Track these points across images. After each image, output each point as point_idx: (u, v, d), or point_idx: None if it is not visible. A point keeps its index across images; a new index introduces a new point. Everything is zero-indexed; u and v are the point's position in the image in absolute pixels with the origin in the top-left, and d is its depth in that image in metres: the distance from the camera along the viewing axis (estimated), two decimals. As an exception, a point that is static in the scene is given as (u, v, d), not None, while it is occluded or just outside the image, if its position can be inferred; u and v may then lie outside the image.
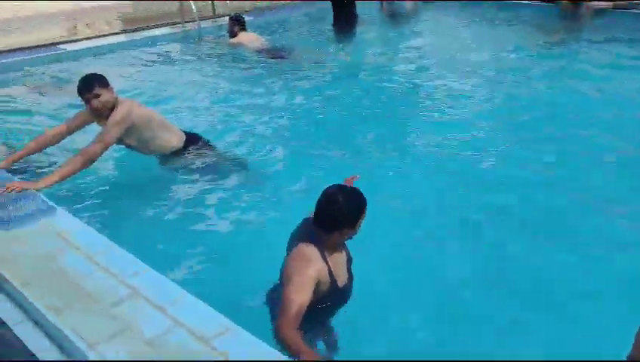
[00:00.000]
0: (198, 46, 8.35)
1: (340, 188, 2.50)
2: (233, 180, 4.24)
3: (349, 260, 2.70)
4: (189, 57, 7.90)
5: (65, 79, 6.87)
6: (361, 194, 2.51)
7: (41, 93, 6.28)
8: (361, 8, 9.39)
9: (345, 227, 2.46)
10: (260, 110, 5.73)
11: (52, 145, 4.16)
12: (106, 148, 3.87)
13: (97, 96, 3.83)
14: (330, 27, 8.93)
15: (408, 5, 9.66)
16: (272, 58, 7.52)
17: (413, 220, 3.72)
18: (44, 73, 7.16)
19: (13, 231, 3.15)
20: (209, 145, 4.51)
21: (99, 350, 2.23)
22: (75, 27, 9.44)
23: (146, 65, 7.51)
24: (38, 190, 3.60)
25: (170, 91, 6.44)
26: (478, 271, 3.23)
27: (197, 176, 4.22)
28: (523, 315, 2.92)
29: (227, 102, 6.04)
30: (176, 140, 4.29)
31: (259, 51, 7.75)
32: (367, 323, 2.87)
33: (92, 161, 3.81)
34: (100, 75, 3.94)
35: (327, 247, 2.50)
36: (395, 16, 9.50)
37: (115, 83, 5.98)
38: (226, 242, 3.57)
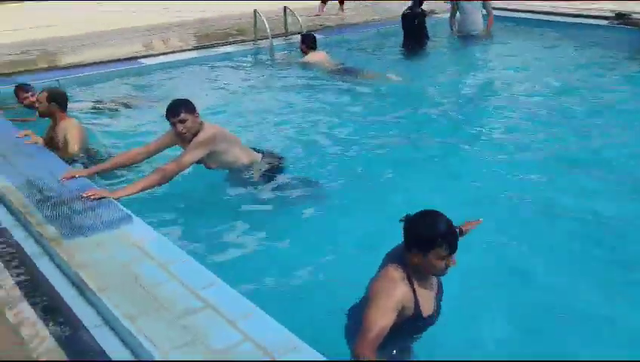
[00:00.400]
0: (270, 63, 8.54)
1: (427, 211, 2.46)
2: (305, 199, 4.30)
3: (439, 292, 2.64)
4: (260, 74, 8.10)
5: (142, 91, 7.22)
6: (442, 226, 2.38)
7: (125, 105, 6.56)
8: (434, 28, 9.38)
9: (414, 248, 2.42)
10: (328, 129, 5.80)
11: (136, 163, 4.41)
12: (182, 169, 4.07)
13: (183, 121, 4.04)
14: (400, 48, 8.93)
15: (480, 27, 9.47)
16: (341, 77, 7.61)
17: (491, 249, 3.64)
18: (125, 84, 7.51)
19: (92, 238, 3.30)
20: (281, 164, 4.63)
21: (170, 358, 2.30)
22: (152, 43, 9.84)
23: (219, 80, 7.75)
24: (116, 199, 3.77)
25: (241, 106, 6.61)
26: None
27: (271, 194, 4.31)
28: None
29: (296, 119, 6.14)
30: (252, 160, 4.45)
31: (328, 70, 7.85)
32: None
33: (168, 179, 4.00)
34: (187, 101, 4.16)
35: (413, 271, 2.46)
36: (467, 38, 9.37)
37: (190, 96, 6.26)
38: (300, 260, 3.59)
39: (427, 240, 2.37)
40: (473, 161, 5.05)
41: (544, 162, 4.86)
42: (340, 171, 4.81)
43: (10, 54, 8.88)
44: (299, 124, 6.00)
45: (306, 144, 5.41)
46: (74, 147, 4.87)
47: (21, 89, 6.29)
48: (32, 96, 6.17)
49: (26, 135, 4.99)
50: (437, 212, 2.45)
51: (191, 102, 4.15)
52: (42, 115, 5.11)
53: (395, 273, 2.43)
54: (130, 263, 3.03)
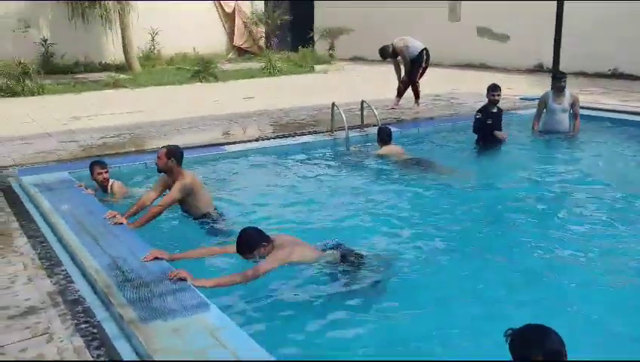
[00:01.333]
0: (346, 153, 8.72)
1: (533, 326, 2.36)
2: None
3: None
4: (336, 163, 8.26)
5: (223, 176, 7.56)
6: (548, 344, 2.26)
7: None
8: (514, 125, 9.35)
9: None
10: (399, 221, 5.83)
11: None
12: (263, 275, 4.10)
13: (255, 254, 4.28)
14: (475, 144, 8.93)
15: (566, 127, 9.34)
16: (414, 170, 7.67)
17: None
18: (208, 168, 7.88)
19: (170, 323, 3.36)
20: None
21: None
22: (233, 130, 10.32)
23: (295, 168, 7.97)
24: (196, 286, 3.85)
25: (315, 195, 6.74)
26: None
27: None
28: None
29: (368, 211, 6.20)
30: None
31: (402, 163, 7.93)
32: None
33: (251, 280, 4.06)
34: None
35: None
36: (549, 138, 9.27)
37: (267, 182, 6.41)
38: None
39: (528, 357, 2.25)
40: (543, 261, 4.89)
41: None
42: (411, 266, 4.77)
43: (104, 137, 9.53)
44: (371, 214, 6.06)
45: (377, 235, 5.44)
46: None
47: (97, 164, 6.63)
48: (106, 173, 6.51)
49: (112, 216, 5.26)
50: (544, 327, 2.33)
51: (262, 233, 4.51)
52: (161, 170, 5.68)
53: None
54: (205, 352, 3.05)
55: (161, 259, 4.25)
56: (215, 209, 5.94)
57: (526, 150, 9.02)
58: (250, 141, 9.07)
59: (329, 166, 8.14)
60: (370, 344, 3.70)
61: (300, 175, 7.69)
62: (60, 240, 4.90)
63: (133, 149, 8.65)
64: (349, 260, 4.54)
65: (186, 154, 8.14)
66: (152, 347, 3.13)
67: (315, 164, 8.23)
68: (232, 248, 4.37)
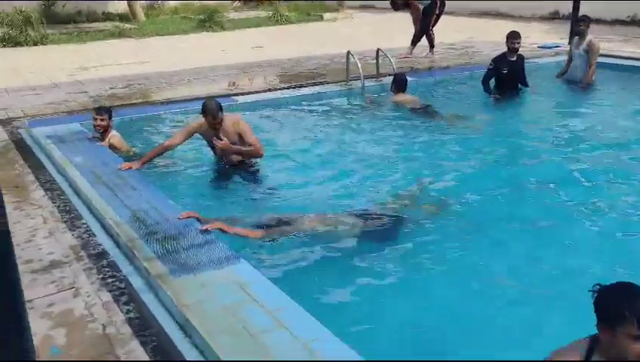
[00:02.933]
0: (361, 102, 8.50)
1: (621, 283, 2.24)
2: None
3: None
4: (351, 113, 8.07)
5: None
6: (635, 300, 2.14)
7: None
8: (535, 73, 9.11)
9: (601, 321, 2.20)
10: (412, 168, 5.79)
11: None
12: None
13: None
14: (492, 92, 8.69)
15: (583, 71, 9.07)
16: (429, 117, 7.53)
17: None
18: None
19: (198, 277, 3.27)
20: None
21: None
22: (244, 80, 10.08)
23: (310, 118, 7.79)
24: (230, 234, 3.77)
25: (331, 146, 6.63)
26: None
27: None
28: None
29: (384, 158, 6.11)
30: None
31: (417, 111, 7.76)
32: None
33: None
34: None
35: (601, 347, 2.25)
36: (568, 86, 9.02)
37: (282, 132, 6.51)
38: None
39: (615, 313, 2.14)
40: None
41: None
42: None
43: (113, 88, 9.32)
44: (387, 163, 5.96)
45: (395, 186, 5.36)
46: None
47: (95, 110, 6.36)
48: (102, 120, 6.13)
49: (127, 168, 5.15)
50: (632, 285, 2.21)
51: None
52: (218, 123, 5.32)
53: (581, 341, 2.28)
54: (236, 307, 2.97)
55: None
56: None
57: (544, 100, 8.77)
58: (262, 91, 8.85)
59: (345, 116, 7.95)
60: (398, 293, 3.63)
61: (315, 125, 7.51)
62: (78, 192, 4.79)
63: (143, 100, 8.46)
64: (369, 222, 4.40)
65: (196, 106, 8.01)
66: (180, 302, 3.04)
67: (330, 114, 8.03)
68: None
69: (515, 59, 8.51)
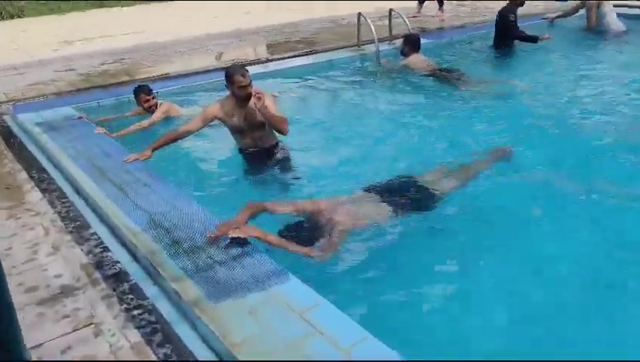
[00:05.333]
0: (377, 69, 7.80)
1: None
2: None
3: None
4: (367, 80, 7.40)
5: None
6: None
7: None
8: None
9: None
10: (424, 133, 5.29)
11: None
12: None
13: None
14: (497, 48, 8.10)
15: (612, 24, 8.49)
16: (441, 81, 6.93)
17: None
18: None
19: (243, 302, 2.66)
20: None
21: None
22: (243, 50, 9.34)
23: (324, 88, 7.13)
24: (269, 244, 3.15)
25: (345, 114, 6.07)
26: None
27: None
28: None
29: (393, 124, 5.58)
30: None
31: (429, 73, 7.13)
32: None
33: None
34: None
35: None
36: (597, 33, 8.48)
37: (294, 104, 6.15)
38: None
39: None
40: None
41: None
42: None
43: (103, 63, 8.55)
44: (410, 136, 5.40)
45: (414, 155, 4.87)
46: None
47: (142, 90, 5.88)
48: (153, 98, 5.79)
49: (133, 159, 4.50)
50: None
51: None
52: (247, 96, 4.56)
53: None
54: (302, 343, 2.38)
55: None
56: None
57: (563, 53, 8.14)
58: (268, 61, 8.13)
59: (361, 84, 7.27)
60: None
61: (329, 94, 6.87)
62: (81, 193, 4.14)
63: (139, 77, 7.72)
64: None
65: (197, 80, 7.34)
66: (229, 339, 2.45)
67: (345, 82, 7.35)
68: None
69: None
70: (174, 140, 4.64)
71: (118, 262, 3.15)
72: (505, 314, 2.96)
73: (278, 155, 4.79)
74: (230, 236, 3.13)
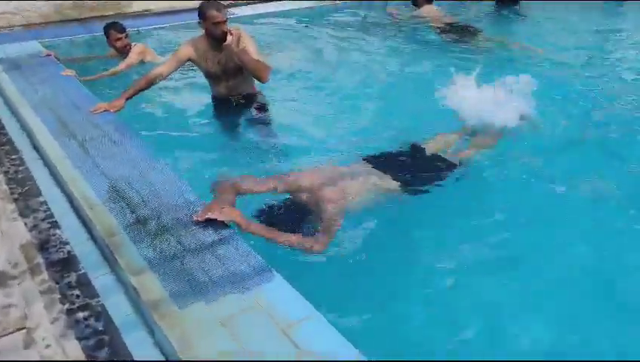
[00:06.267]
0: (380, 17, 7.08)
1: None
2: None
3: None
4: (371, 32, 6.71)
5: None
6: None
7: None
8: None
9: None
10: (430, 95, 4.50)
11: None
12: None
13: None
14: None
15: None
16: (453, 38, 6.25)
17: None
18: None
19: (216, 308, 2.13)
20: None
21: None
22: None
23: (320, 37, 6.46)
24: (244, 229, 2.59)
25: (336, 66, 5.52)
26: None
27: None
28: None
29: (396, 83, 5.02)
30: None
31: (441, 28, 6.45)
32: None
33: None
34: None
35: None
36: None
37: (288, 57, 5.68)
38: None
39: None
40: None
41: None
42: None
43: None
44: (419, 98, 4.74)
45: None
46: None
47: (113, 27, 5.20)
48: (125, 37, 5.15)
49: (101, 110, 3.92)
50: None
51: None
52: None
53: None
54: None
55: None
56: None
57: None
58: (258, 1, 7.38)
59: (364, 36, 6.60)
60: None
61: (326, 45, 6.20)
62: (38, 150, 3.55)
63: (117, 12, 6.97)
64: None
65: (176, 20, 6.63)
66: (190, 357, 1.94)
67: (346, 31, 6.68)
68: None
69: None
70: (147, 86, 4.07)
71: (68, 243, 2.59)
72: (547, 329, 2.47)
73: (255, 108, 4.21)
74: (206, 217, 2.58)
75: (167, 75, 4.12)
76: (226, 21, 3.90)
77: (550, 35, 6.69)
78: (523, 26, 7.26)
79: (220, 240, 2.51)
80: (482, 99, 4.10)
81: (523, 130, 3.88)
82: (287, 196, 2.95)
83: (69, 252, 2.52)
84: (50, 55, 5.19)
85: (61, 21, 6.38)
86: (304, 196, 2.89)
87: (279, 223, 2.72)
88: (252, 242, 2.52)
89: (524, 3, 7.67)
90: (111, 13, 6.78)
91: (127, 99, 3.99)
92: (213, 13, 3.85)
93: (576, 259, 2.83)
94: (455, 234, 2.98)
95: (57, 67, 4.94)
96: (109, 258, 2.51)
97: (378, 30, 6.74)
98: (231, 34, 3.90)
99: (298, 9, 7.15)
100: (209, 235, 2.53)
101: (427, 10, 6.79)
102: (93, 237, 2.68)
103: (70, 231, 2.69)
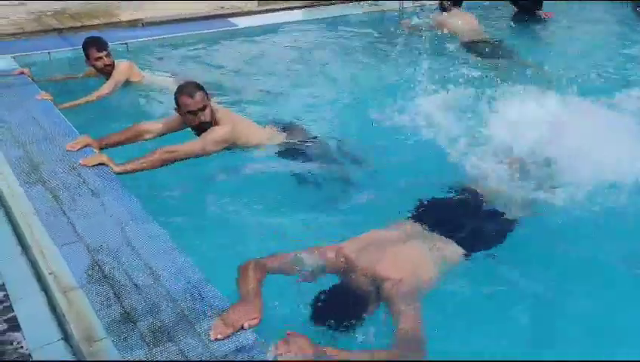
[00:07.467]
0: (398, 31, 6.43)
1: None
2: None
3: None
4: (383, 45, 6.09)
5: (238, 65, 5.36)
6: None
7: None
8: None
9: None
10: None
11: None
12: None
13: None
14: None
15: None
16: (480, 56, 5.51)
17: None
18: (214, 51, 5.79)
19: None
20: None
21: None
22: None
23: (328, 51, 5.88)
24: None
25: (356, 87, 4.93)
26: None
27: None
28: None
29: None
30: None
31: (471, 41, 5.76)
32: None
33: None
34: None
35: None
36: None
37: (297, 69, 5.34)
38: None
39: None
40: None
41: None
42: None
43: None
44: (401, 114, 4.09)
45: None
46: None
47: (93, 45, 4.45)
48: (107, 55, 4.40)
49: (82, 145, 3.25)
50: None
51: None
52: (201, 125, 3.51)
53: None
54: None
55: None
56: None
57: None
58: (264, 12, 6.77)
59: (375, 50, 5.96)
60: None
61: (336, 62, 5.58)
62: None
63: (105, 21, 6.28)
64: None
65: (180, 30, 6.01)
66: None
67: (355, 45, 6.04)
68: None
69: None
70: (131, 140, 3.49)
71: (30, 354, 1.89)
72: None
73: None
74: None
75: (159, 136, 3.54)
76: (203, 108, 3.30)
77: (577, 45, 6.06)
78: (547, 37, 6.63)
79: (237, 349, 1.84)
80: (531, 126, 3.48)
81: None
82: (325, 275, 2.28)
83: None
84: (23, 73, 4.51)
85: (38, 31, 5.67)
86: (354, 274, 2.23)
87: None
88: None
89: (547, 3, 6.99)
90: (96, 22, 6.09)
91: (105, 146, 3.36)
92: (186, 100, 3.27)
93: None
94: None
95: (30, 87, 4.26)
96: None
97: (394, 45, 6.09)
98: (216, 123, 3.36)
99: (297, 22, 6.56)
100: (224, 345, 1.85)
101: (455, 15, 6.05)
102: (65, 339, 1.99)
103: (35, 334, 1.98)
